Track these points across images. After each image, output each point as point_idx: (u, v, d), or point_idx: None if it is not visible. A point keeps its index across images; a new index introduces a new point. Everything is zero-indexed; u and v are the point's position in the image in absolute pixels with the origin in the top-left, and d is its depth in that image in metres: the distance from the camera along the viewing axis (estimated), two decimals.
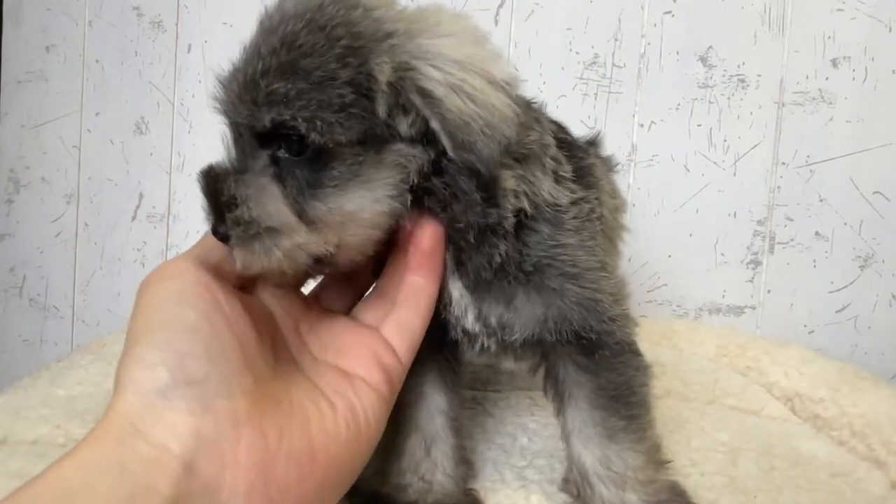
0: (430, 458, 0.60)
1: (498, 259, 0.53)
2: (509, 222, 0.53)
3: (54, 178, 1.48)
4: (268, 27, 0.49)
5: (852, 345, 1.14)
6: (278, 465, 0.41)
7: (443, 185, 0.51)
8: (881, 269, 1.12)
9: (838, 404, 0.82)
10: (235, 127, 0.50)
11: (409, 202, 0.51)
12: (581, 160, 0.63)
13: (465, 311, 0.56)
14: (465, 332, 0.57)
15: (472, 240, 0.53)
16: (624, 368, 0.56)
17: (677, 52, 1.18)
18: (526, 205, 0.54)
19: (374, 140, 0.48)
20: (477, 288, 0.55)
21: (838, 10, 1.12)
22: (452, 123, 0.47)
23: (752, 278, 1.17)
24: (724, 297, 1.18)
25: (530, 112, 0.57)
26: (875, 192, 1.12)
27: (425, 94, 0.47)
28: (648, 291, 1.22)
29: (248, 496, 0.39)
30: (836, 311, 1.14)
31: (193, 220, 1.41)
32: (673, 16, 1.19)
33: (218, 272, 0.48)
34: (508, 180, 0.53)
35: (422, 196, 0.51)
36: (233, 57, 0.52)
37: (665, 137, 1.19)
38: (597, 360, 0.55)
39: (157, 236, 1.43)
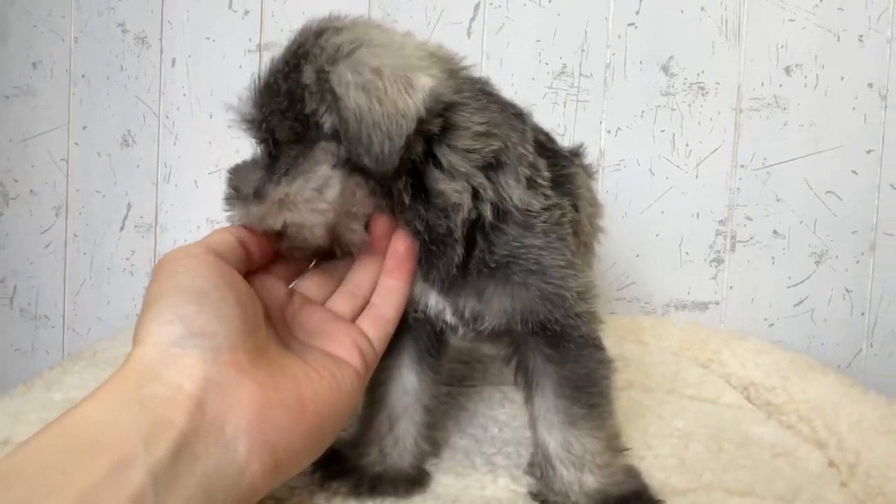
0: (392, 434, 0.65)
1: (457, 260, 0.59)
2: (458, 232, 0.58)
3: (43, 190, 1.52)
4: (277, 56, 0.61)
5: (809, 336, 1.20)
6: (274, 410, 0.48)
7: (395, 193, 0.58)
8: (835, 265, 1.19)
9: (788, 391, 0.88)
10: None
11: (356, 201, 0.58)
12: (563, 168, 0.67)
13: (442, 309, 0.62)
14: (446, 323, 0.64)
15: (430, 245, 0.59)
16: (587, 361, 0.61)
17: (640, 62, 1.25)
18: (487, 212, 0.59)
19: (306, 139, 0.58)
20: (451, 287, 0.60)
21: (790, 20, 1.19)
22: (348, 119, 0.53)
23: (716, 275, 1.23)
24: (689, 293, 1.25)
25: (509, 121, 0.61)
26: (828, 192, 1.19)
27: (331, 92, 0.54)
28: (618, 290, 1.28)
29: (249, 433, 0.46)
30: (794, 305, 1.21)
31: (180, 230, 1.45)
32: (636, 27, 1.25)
33: (223, 258, 0.55)
34: (453, 194, 0.57)
35: (382, 201, 0.58)
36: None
37: (631, 143, 1.26)
38: (562, 351, 0.60)
39: (145, 246, 1.47)
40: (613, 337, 1.08)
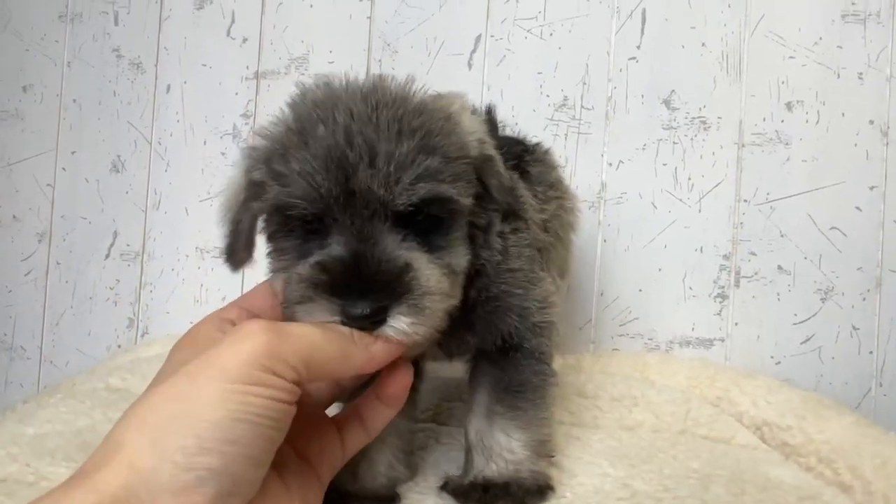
0: (366, 457, 0.65)
1: (474, 295, 0.62)
2: (493, 262, 0.63)
3: (26, 216, 1.47)
4: (358, 113, 0.53)
5: (817, 375, 1.17)
6: None
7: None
8: (841, 302, 1.17)
9: (805, 432, 0.85)
10: (360, 209, 0.52)
11: None
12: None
13: (428, 350, 0.65)
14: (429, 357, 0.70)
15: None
16: (525, 370, 0.65)
17: (642, 96, 1.24)
18: (500, 243, 0.64)
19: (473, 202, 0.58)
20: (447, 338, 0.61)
21: (790, 57, 1.19)
22: (504, 179, 0.62)
23: (720, 311, 1.21)
24: (693, 329, 1.21)
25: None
26: (832, 228, 1.17)
27: (490, 161, 0.61)
28: (620, 325, 1.24)
29: None
30: (801, 343, 1.18)
31: (168, 258, 1.40)
32: (637, 62, 1.25)
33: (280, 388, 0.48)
34: (499, 224, 0.63)
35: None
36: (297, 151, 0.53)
37: (633, 176, 1.24)
38: (507, 359, 0.65)
39: (130, 274, 1.42)
40: (619, 375, 1.04)
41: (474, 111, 0.65)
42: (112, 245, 1.43)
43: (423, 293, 0.52)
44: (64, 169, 1.46)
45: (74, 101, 1.46)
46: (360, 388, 0.62)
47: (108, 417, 0.82)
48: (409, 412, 0.70)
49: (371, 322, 0.51)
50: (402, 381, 0.58)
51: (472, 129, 0.59)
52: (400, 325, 0.51)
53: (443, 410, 0.92)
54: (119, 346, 1.39)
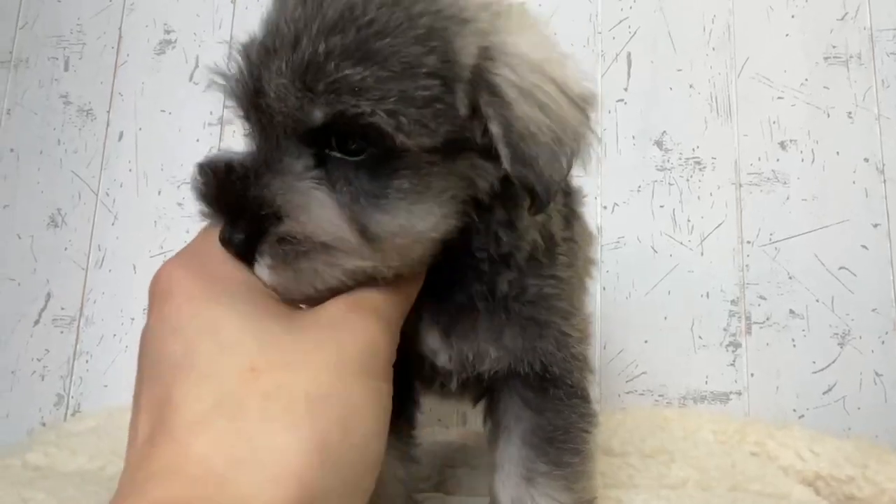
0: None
1: (504, 288, 0.50)
2: (522, 255, 0.51)
3: None
4: None
5: (845, 428, 1.07)
6: None
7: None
8: (860, 346, 1.09)
9: (872, 481, 0.73)
10: (267, 115, 0.40)
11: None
12: (577, 203, 0.63)
13: (437, 351, 0.52)
14: (435, 369, 0.53)
15: (485, 269, 0.50)
16: (569, 413, 0.54)
17: (633, 137, 1.19)
18: (539, 238, 0.52)
19: (450, 146, 0.41)
20: (457, 328, 0.51)
21: (779, 98, 1.18)
22: (517, 132, 0.41)
23: (734, 361, 1.11)
24: (707, 383, 1.10)
25: None
26: (841, 268, 1.11)
27: (495, 93, 0.41)
28: (627, 381, 1.12)
29: None
30: (823, 393, 1.08)
31: (109, 323, 1.22)
32: (626, 104, 1.21)
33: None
34: (532, 228, 0.51)
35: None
36: (250, 35, 0.43)
37: (629, 219, 1.17)
38: (545, 397, 0.53)
39: (63, 342, 1.22)
40: (641, 431, 0.91)
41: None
42: (43, 309, 1.24)
43: (280, 238, 0.39)
44: None
45: (11, 150, 1.32)
46: None
47: (24, 498, 0.63)
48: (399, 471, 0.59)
49: (244, 255, 0.40)
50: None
51: (487, 35, 0.42)
52: (264, 272, 0.40)
53: (447, 478, 0.77)
54: (38, 427, 1.17)
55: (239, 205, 0.40)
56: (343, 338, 0.39)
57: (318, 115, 0.39)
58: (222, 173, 0.41)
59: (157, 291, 0.42)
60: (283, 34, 0.40)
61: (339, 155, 0.40)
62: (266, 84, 0.40)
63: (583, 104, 0.45)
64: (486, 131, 0.42)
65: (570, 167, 0.44)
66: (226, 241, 0.41)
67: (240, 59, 0.43)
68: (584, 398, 0.56)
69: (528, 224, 0.50)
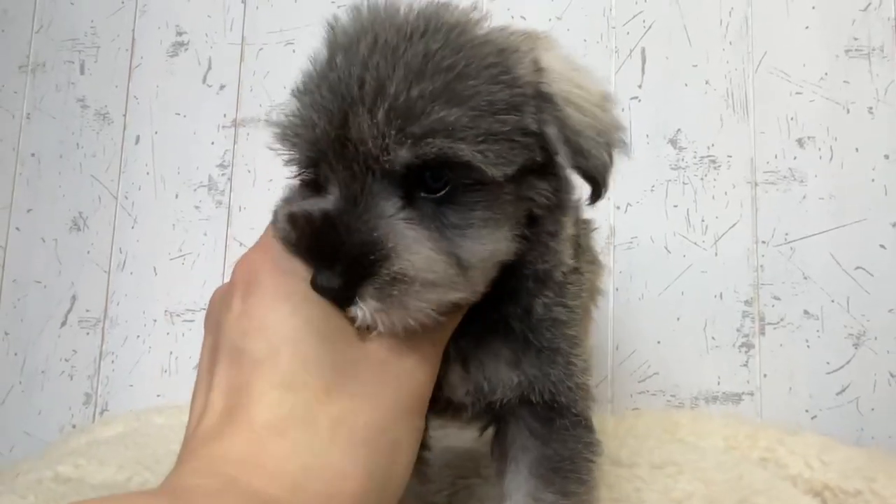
0: None
1: (540, 311, 0.52)
2: (559, 272, 0.52)
3: None
4: (384, 43, 0.43)
5: (857, 429, 1.07)
6: None
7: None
8: (875, 347, 1.08)
9: (881, 496, 0.74)
10: (354, 161, 0.42)
11: None
12: (584, 234, 0.64)
13: (457, 386, 0.53)
14: (453, 405, 0.55)
15: (529, 286, 0.51)
16: (574, 443, 0.55)
17: (647, 136, 1.18)
18: (571, 255, 0.55)
19: (518, 172, 0.45)
20: (474, 356, 0.52)
21: (797, 93, 1.15)
22: (570, 129, 0.46)
23: (747, 362, 1.11)
24: (719, 384, 1.11)
25: None
26: (857, 268, 1.10)
27: (549, 100, 0.46)
28: (639, 381, 1.13)
29: None
30: (837, 394, 1.08)
31: (132, 324, 1.26)
32: (639, 101, 1.19)
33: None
34: (570, 226, 0.53)
35: None
36: (303, 82, 0.46)
37: (642, 219, 1.16)
38: (551, 428, 0.54)
39: (90, 343, 1.27)
40: (652, 438, 0.92)
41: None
42: (69, 311, 1.28)
43: (392, 278, 0.40)
44: (18, 228, 1.33)
45: (33, 154, 1.35)
46: None
47: None
48: (415, 487, 0.58)
49: (340, 298, 0.42)
50: None
51: (536, 59, 0.47)
52: (367, 309, 0.41)
53: (459, 489, 0.79)
54: (74, 426, 1.22)
55: (335, 251, 0.41)
56: (401, 379, 0.43)
57: (412, 157, 0.41)
58: (317, 222, 0.43)
59: (242, 280, 0.45)
60: (365, 80, 0.42)
61: (424, 194, 0.43)
62: (355, 131, 0.41)
63: (606, 103, 0.51)
64: (542, 148, 0.47)
65: (612, 155, 0.50)
66: (322, 289, 0.42)
67: (309, 106, 0.44)
68: (589, 428, 0.56)
69: (565, 237, 0.53)
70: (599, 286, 0.82)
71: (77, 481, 0.78)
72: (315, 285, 0.42)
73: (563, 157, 0.46)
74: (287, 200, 0.47)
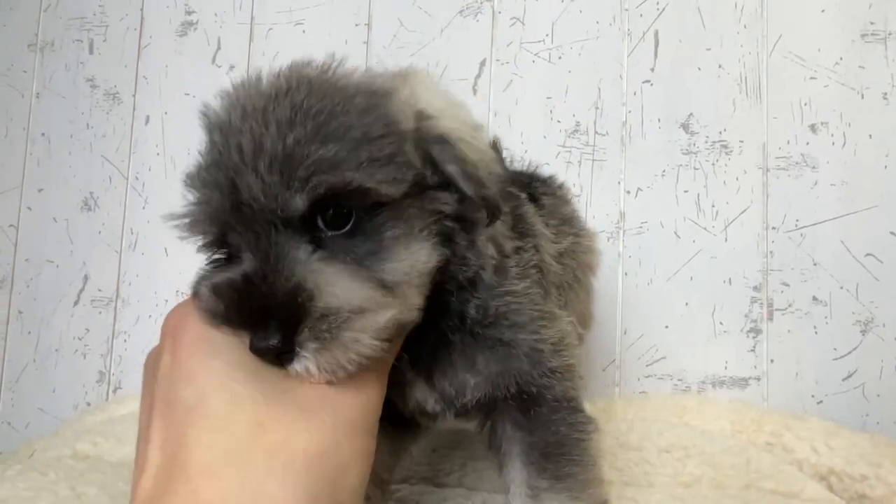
0: None
1: (472, 313, 0.52)
2: (488, 273, 0.53)
3: None
4: (252, 109, 0.45)
5: (863, 414, 1.08)
6: None
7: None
8: (883, 334, 1.09)
9: (885, 482, 0.75)
10: (254, 221, 0.43)
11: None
12: (516, 208, 0.63)
13: (425, 399, 0.55)
14: (426, 414, 0.57)
15: (454, 297, 0.52)
16: (558, 427, 0.54)
17: (659, 120, 1.17)
18: (494, 251, 0.54)
19: (414, 189, 0.47)
20: (436, 367, 0.53)
21: (811, 78, 1.14)
22: (469, 164, 0.48)
23: (754, 347, 1.11)
24: (726, 368, 1.12)
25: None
26: (867, 255, 1.10)
27: (442, 141, 0.48)
28: (647, 365, 1.14)
29: None
30: (843, 379, 1.09)
31: (144, 304, 1.27)
32: (652, 85, 1.19)
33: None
34: (486, 245, 0.53)
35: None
36: (193, 167, 0.47)
37: (653, 204, 1.16)
38: (532, 416, 0.54)
39: (102, 322, 1.28)
40: (660, 421, 0.94)
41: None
42: (82, 290, 1.30)
43: (321, 315, 0.41)
44: (29, 208, 1.34)
45: (43, 134, 1.35)
46: None
47: (77, 493, 0.68)
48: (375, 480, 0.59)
49: (283, 355, 0.42)
50: None
51: (412, 101, 0.49)
52: (310, 360, 0.41)
53: (469, 472, 0.80)
54: (88, 404, 1.24)
55: (264, 308, 0.42)
56: (340, 398, 0.43)
57: (306, 200, 0.42)
58: (240, 285, 0.43)
59: (169, 334, 0.45)
60: (242, 145, 0.43)
61: (330, 233, 0.44)
62: (245, 192, 0.43)
63: (481, 134, 0.53)
64: (434, 171, 0.48)
65: (502, 182, 0.52)
66: (261, 350, 0.42)
67: (200, 188, 0.46)
68: (573, 409, 0.56)
69: (484, 239, 0.53)
70: (588, 259, 0.84)
71: (95, 459, 0.80)
72: (254, 349, 0.42)
73: (467, 190, 0.48)
74: (205, 277, 0.47)
